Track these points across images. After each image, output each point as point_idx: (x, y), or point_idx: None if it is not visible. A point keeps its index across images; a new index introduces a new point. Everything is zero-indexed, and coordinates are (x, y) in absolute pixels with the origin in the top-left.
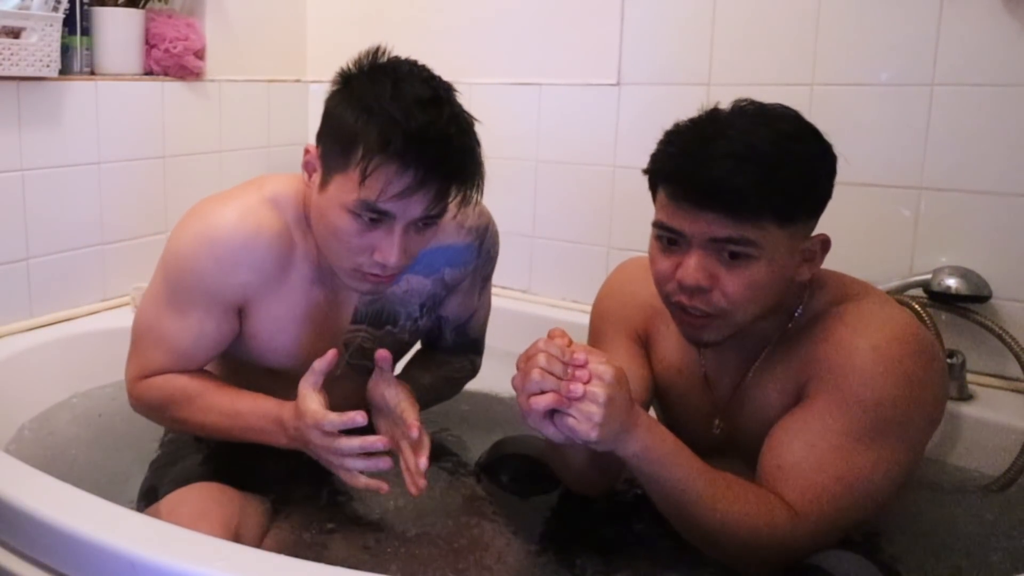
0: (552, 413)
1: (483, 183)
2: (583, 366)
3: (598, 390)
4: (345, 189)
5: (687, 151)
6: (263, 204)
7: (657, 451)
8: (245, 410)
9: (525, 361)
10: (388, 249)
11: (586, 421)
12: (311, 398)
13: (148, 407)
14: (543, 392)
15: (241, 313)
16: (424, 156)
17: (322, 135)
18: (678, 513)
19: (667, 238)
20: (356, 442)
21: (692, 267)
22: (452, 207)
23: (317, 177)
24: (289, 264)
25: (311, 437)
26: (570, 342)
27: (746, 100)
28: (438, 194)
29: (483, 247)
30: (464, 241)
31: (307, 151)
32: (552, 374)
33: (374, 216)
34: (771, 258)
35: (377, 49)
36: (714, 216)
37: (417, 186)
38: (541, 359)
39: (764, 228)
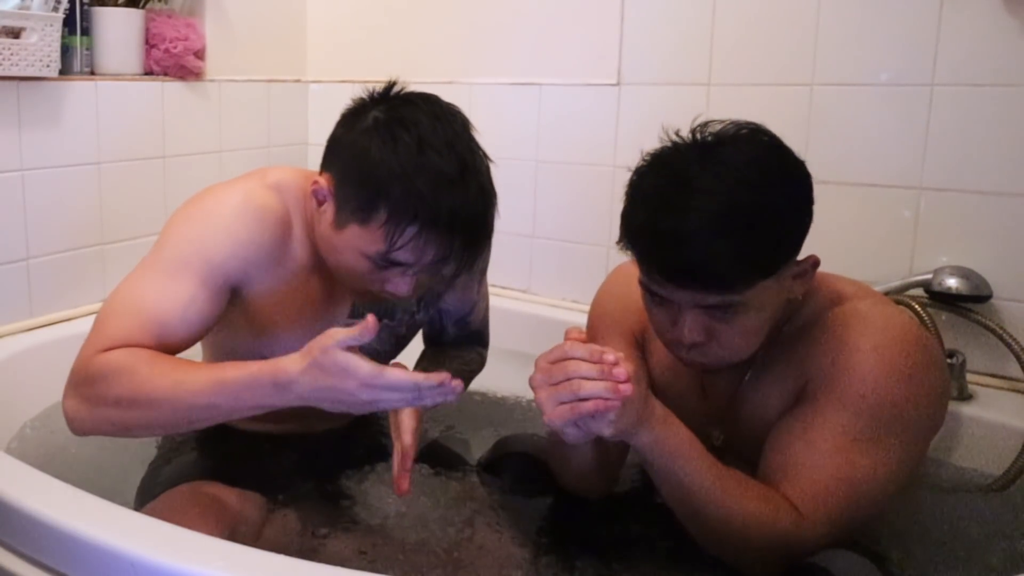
0: None
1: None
2: (617, 364)
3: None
4: (365, 240)
5: (655, 227)
6: (267, 189)
7: (669, 443)
8: (219, 375)
9: (550, 363)
10: (403, 286)
11: (602, 419)
12: (354, 358)
13: (97, 384)
14: (581, 400)
15: (236, 296)
16: (453, 234)
17: (337, 173)
18: (685, 506)
19: (655, 298)
20: (436, 379)
21: (688, 328)
22: None
23: (329, 211)
24: (287, 248)
25: (370, 396)
26: (587, 341)
27: (708, 132)
28: (462, 263)
29: None
30: None
31: (316, 183)
32: (590, 379)
33: (393, 264)
34: (763, 304)
35: (392, 85)
36: (697, 290)
37: (443, 260)
38: (582, 368)
39: (750, 287)
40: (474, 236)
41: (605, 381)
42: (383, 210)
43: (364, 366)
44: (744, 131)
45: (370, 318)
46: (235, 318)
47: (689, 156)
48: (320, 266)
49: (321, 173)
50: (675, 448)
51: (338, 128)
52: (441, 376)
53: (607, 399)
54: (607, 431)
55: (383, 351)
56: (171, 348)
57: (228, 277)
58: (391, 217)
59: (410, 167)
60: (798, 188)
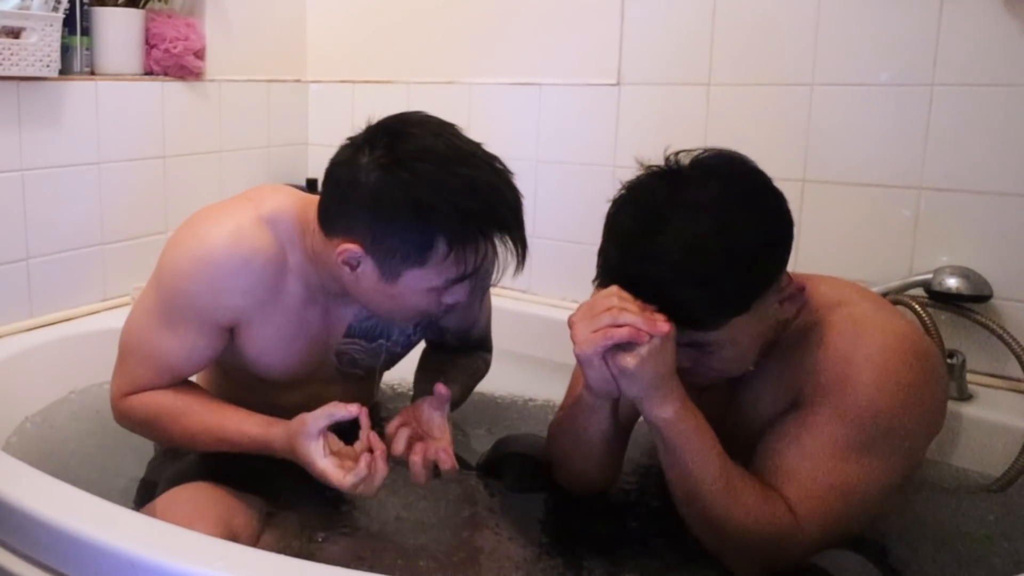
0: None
1: None
2: (657, 311)
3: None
4: (429, 277)
5: (625, 272)
6: (259, 224)
7: (686, 422)
8: (230, 434)
9: (594, 302)
10: (463, 294)
11: (630, 351)
12: (317, 453)
13: (133, 423)
14: (618, 326)
15: (232, 331)
16: (501, 214)
17: (367, 233)
18: (688, 493)
19: None
20: (380, 470)
21: None
22: None
23: (370, 270)
24: (282, 286)
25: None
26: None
27: (681, 164)
28: (523, 240)
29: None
30: None
31: (346, 251)
32: (627, 311)
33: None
34: (742, 336)
35: (370, 126)
36: None
37: (513, 239)
38: (625, 304)
39: (723, 325)
40: (521, 212)
41: (643, 316)
42: (442, 243)
43: (317, 464)
44: (717, 164)
45: (352, 407)
46: (235, 345)
47: (659, 194)
48: (316, 293)
49: (337, 240)
50: (690, 430)
51: (341, 190)
52: (361, 470)
53: (641, 329)
54: (632, 363)
55: (377, 367)
56: (184, 379)
57: (221, 322)
58: (455, 244)
59: (449, 192)
60: (770, 224)
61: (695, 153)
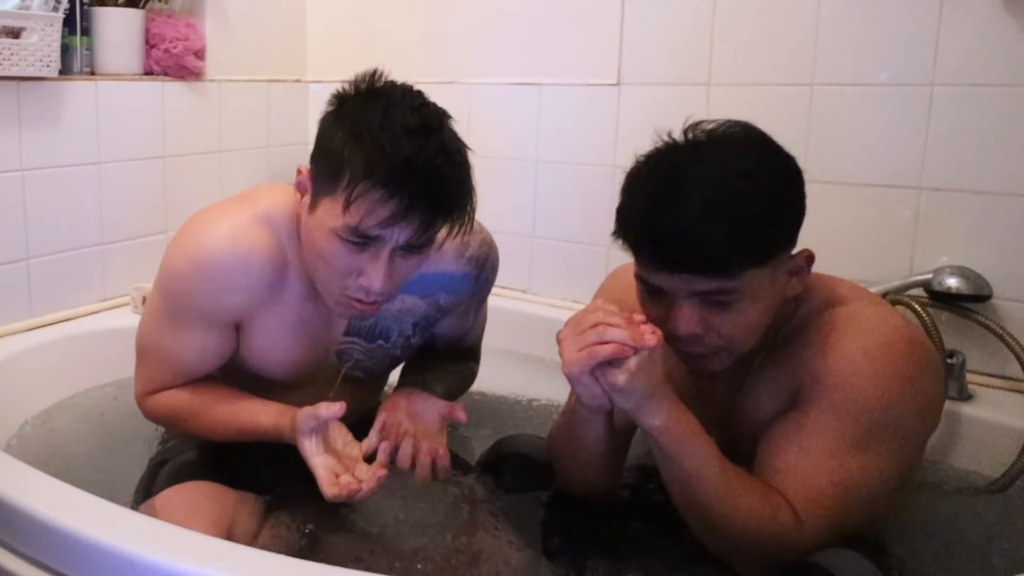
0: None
1: (473, 212)
2: (645, 322)
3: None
4: (332, 213)
5: (647, 214)
6: (256, 223)
7: (681, 428)
8: (247, 424)
9: (579, 317)
10: (374, 274)
11: (619, 367)
12: (310, 451)
13: (157, 420)
14: (604, 343)
15: (238, 328)
16: (408, 186)
17: (314, 157)
18: (688, 496)
19: (650, 291)
20: (366, 491)
21: (683, 319)
22: (444, 235)
23: (307, 198)
24: (282, 282)
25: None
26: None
27: (701, 130)
28: (423, 224)
29: (481, 276)
30: (463, 270)
31: (299, 172)
32: (614, 326)
33: (360, 240)
34: (757, 295)
35: (374, 73)
36: (690, 275)
37: (400, 215)
38: (611, 319)
39: (743, 275)
40: (431, 188)
41: (630, 330)
42: (347, 172)
43: (310, 461)
44: (736, 128)
45: (335, 406)
46: (240, 343)
47: (684, 152)
48: (316, 290)
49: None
50: (686, 435)
51: (321, 119)
52: (346, 490)
53: (627, 344)
54: (622, 379)
55: (377, 369)
56: (199, 377)
57: (225, 321)
58: (352, 176)
59: (375, 126)
60: (791, 180)
61: (711, 123)
